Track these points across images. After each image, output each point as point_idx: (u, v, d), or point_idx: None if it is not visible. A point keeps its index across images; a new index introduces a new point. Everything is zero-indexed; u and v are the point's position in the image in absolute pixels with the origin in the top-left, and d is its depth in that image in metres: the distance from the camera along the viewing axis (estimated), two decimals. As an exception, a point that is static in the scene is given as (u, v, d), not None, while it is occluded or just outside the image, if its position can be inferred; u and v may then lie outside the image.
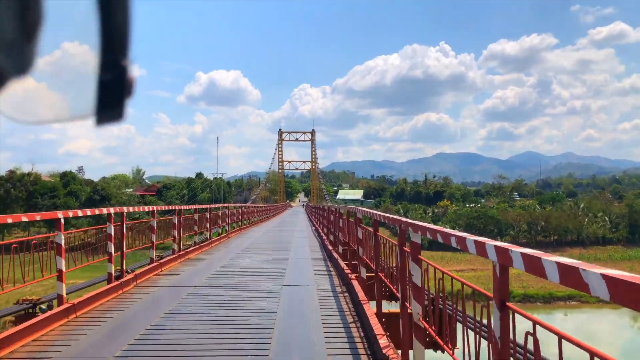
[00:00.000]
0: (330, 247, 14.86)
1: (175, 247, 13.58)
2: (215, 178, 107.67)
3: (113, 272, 9.20)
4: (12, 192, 71.76)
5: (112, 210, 9.63)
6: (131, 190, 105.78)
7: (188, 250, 14.45)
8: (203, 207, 18.51)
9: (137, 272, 10.03)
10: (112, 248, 9.29)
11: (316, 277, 10.39)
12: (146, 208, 13.61)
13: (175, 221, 13.76)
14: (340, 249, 13.09)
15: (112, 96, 0.55)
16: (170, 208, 14.61)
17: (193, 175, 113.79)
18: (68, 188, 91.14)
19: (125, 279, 9.12)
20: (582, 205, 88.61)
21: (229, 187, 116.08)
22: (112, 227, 9.44)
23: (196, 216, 16.41)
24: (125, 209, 10.55)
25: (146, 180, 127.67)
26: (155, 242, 12.35)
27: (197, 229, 16.22)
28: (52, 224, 7.67)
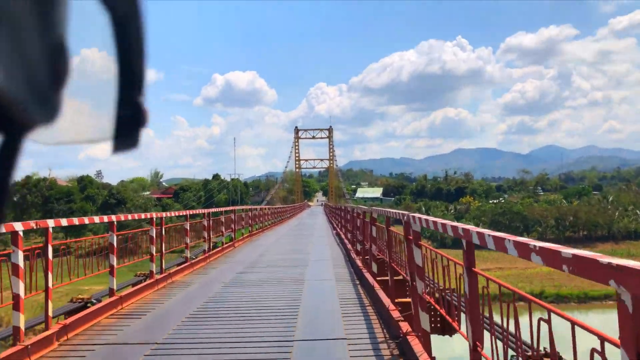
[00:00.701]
0: (359, 263, 11.57)
1: (153, 267, 10.41)
2: (232, 179, 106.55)
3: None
4: (28, 197, 71.23)
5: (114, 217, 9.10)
6: (148, 193, 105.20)
7: (170, 272, 10.98)
8: (196, 212, 16.57)
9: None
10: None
11: (346, 322, 6.63)
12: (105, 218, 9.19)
13: (154, 234, 10.61)
14: (374, 266, 9.61)
15: (128, 127, 0.62)
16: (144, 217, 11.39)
17: (211, 177, 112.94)
18: (85, 192, 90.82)
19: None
20: (610, 199, 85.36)
21: (246, 187, 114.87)
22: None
23: (187, 225, 13.22)
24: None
25: (163, 183, 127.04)
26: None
27: (188, 242, 13.09)
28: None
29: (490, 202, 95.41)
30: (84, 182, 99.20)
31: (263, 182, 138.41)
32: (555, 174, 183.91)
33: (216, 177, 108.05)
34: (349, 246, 15.80)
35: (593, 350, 2.03)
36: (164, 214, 11.65)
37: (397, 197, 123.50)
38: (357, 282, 9.85)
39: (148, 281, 9.77)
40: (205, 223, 15.03)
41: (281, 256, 15.37)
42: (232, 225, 19.11)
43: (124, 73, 0.59)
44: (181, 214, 14.45)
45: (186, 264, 12.25)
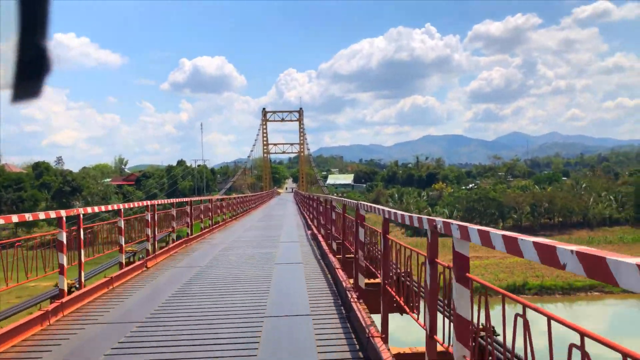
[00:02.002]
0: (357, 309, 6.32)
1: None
2: (198, 165, 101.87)
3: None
4: (-27, 185, 65.65)
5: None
6: (109, 180, 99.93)
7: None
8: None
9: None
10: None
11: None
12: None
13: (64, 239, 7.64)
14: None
15: (29, 74, 0.57)
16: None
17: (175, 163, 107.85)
18: (41, 179, 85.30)
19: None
20: (584, 185, 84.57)
21: (212, 174, 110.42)
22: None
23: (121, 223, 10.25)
24: None
25: (126, 170, 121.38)
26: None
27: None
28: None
29: (463, 188, 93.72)
30: (39, 169, 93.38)
31: (231, 168, 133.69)
32: (521, 161, 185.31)
33: (180, 163, 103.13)
34: (337, 267, 9.04)
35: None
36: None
37: (369, 183, 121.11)
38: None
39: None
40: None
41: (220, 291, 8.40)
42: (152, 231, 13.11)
43: (25, 13, 0.52)
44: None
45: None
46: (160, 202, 15.07)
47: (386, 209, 5.57)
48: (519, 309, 2.46)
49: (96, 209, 10.27)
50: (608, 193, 78.41)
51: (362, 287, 6.92)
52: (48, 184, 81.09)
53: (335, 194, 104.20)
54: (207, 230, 19.47)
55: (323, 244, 12.90)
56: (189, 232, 17.26)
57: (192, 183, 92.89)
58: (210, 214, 20.91)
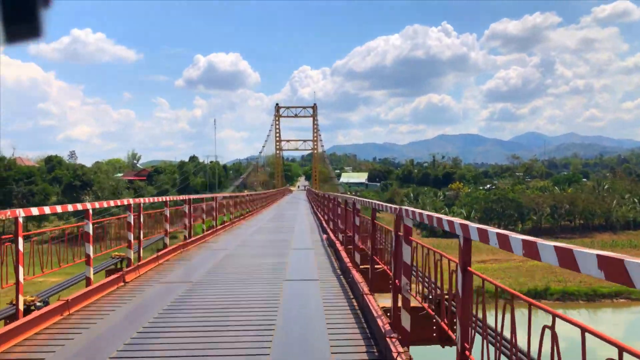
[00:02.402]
0: None
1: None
2: (210, 162, 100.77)
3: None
4: (-16, 178, 65.01)
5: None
6: (121, 175, 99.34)
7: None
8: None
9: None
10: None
11: None
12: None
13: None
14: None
15: (25, 8, 0.51)
16: None
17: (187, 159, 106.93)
18: (53, 173, 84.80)
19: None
20: (606, 186, 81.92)
21: (225, 171, 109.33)
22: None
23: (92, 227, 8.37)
24: None
25: (138, 165, 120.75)
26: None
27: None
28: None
29: (480, 188, 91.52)
30: (52, 163, 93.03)
31: (244, 165, 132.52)
32: (539, 161, 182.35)
33: (193, 159, 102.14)
34: (369, 300, 6.63)
35: None
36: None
37: (383, 182, 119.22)
38: None
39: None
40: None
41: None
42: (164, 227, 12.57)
43: None
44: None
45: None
46: (151, 200, 12.93)
47: (444, 217, 4.14)
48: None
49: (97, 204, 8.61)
50: (632, 195, 75.77)
51: (407, 329, 4.88)
52: (60, 178, 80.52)
53: (349, 193, 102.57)
54: (210, 231, 17.44)
55: (342, 253, 10.80)
56: (204, 228, 15.68)
57: (204, 179, 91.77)
58: (215, 213, 18.83)
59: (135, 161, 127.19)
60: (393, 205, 6.14)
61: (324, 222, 20.59)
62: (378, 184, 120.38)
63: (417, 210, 4.91)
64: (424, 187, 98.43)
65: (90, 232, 7.92)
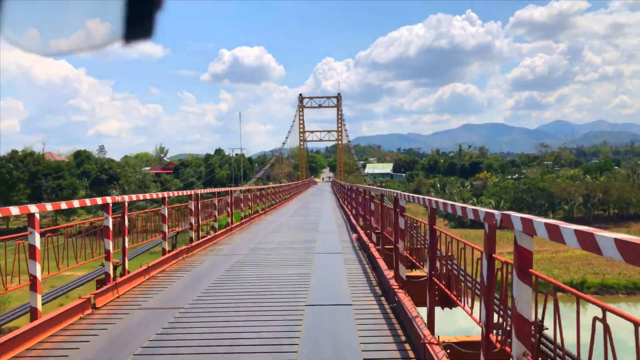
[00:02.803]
0: None
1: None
2: (236, 154, 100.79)
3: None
4: (15, 173, 66.15)
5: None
6: (148, 168, 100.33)
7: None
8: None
9: None
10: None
11: None
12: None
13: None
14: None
15: (140, 10, 0.56)
16: None
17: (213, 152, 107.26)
18: (82, 168, 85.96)
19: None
20: (641, 174, 79.38)
21: (250, 163, 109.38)
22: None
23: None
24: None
25: (165, 159, 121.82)
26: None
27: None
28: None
29: (509, 177, 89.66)
30: (80, 157, 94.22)
31: (269, 157, 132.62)
32: (567, 149, 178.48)
33: (218, 151, 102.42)
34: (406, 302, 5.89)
35: None
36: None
37: (409, 173, 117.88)
38: None
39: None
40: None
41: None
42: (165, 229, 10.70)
43: None
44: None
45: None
46: (142, 197, 11.70)
47: (469, 206, 4.54)
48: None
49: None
50: (668, 183, 73.27)
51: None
52: (88, 172, 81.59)
53: (374, 184, 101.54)
54: (224, 230, 15.66)
55: (380, 261, 8.78)
56: (216, 227, 14.87)
57: (229, 172, 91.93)
58: (230, 209, 17.15)
59: (162, 155, 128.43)
60: (480, 209, 4.41)
61: (352, 218, 18.81)
62: (403, 174, 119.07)
63: (441, 201, 5.24)
64: (450, 177, 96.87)
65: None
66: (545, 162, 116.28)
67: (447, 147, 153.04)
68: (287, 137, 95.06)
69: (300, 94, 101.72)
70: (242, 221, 18.72)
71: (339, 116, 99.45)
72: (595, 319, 2.20)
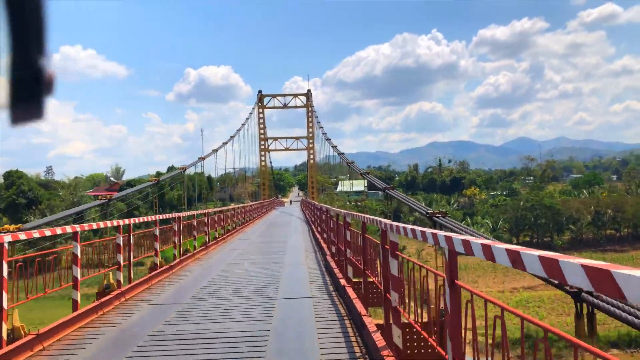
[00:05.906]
0: None
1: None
2: (194, 173, 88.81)
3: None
4: None
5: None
6: (91, 190, 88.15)
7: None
8: None
9: None
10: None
11: None
12: None
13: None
14: None
15: (29, 94, 0.51)
16: None
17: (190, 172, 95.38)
18: (11, 190, 73.83)
19: None
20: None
21: (209, 183, 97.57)
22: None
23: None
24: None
25: (112, 179, 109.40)
26: None
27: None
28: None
29: (500, 194, 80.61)
30: (11, 178, 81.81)
31: (235, 177, 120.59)
32: (531, 166, 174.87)
33: (171, 169, 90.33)
34: None
35: None
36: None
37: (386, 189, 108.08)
38: None
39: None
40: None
41: None
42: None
43: (17, 29, 0.47)
44: None
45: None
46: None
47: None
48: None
49: None
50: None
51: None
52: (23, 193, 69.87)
53: (347, 203, 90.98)
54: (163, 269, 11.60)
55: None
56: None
57: (180, 192, 79.94)
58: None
59: (112, 176, 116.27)
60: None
61: (341, 278, 9.50)
62: (379, 192, 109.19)
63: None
64: (433, 194, 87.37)
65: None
66: (527, 179, 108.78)
67: (431, 162, 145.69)
68: (238, 130, 65.75)
69: (260, 91, 78.29)
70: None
71: (310, 117, 76.55)
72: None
